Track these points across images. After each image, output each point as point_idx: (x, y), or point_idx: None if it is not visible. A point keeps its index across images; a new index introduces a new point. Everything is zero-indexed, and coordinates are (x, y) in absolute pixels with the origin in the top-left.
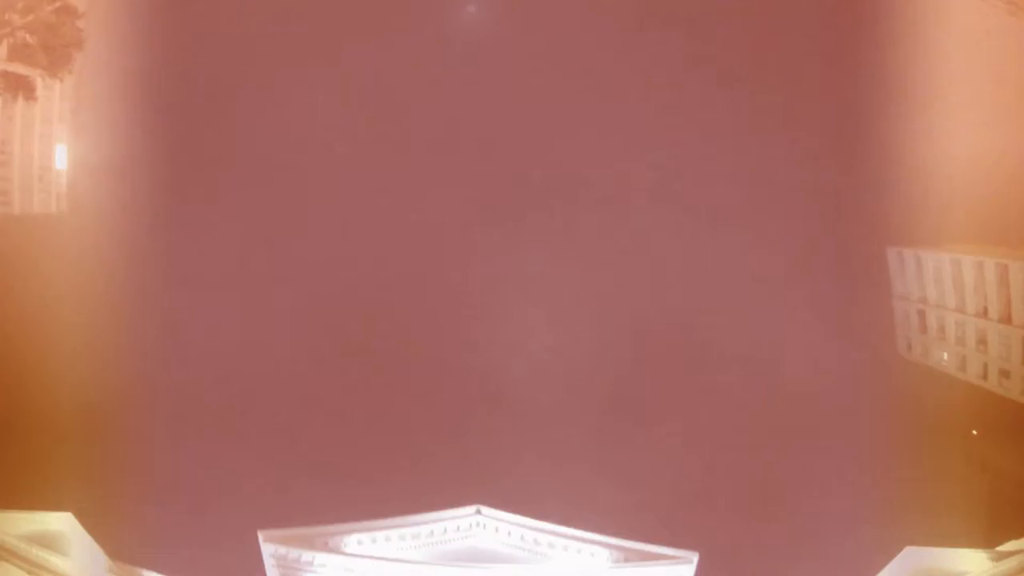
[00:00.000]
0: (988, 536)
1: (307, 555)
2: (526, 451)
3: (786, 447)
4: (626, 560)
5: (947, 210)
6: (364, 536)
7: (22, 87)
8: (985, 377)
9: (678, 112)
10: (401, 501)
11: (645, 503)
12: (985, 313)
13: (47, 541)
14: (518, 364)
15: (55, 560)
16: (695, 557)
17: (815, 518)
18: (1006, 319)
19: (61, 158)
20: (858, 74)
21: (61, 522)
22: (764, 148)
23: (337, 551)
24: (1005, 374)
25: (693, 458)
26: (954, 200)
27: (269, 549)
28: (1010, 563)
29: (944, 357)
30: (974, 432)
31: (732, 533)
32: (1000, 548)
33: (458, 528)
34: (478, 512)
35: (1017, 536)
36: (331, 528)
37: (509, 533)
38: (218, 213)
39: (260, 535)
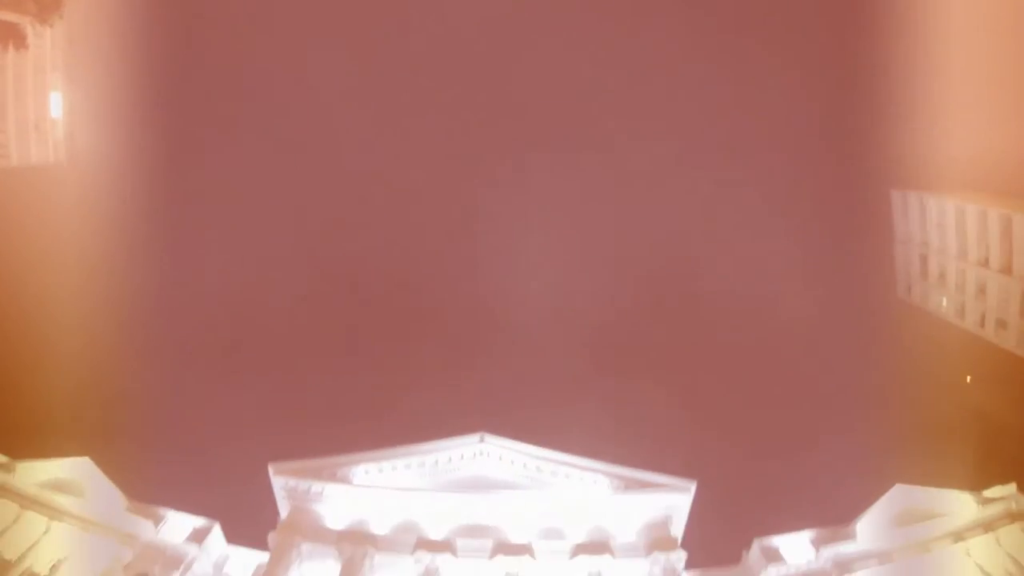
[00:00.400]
0: (975, 481)
1: (316, 486)
2: (529, 382)
3: (783, 384)
4: (626, 488)
5: (953, 155)
6: (371, 466)
7: (12, 36)
8: (982, 326)
9: (682, 47)
10: (407, 432)
11: (644, 434)
12: (986, 263)
13: (67, 487)
14: (521, 298)
15: (75, 504)
16: (693, 486)
17: (810, 453)
18: (1007, 270)
19: (56, 107)
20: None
21: (79, 467)
22: (769, 84)
23: (345, 481)
24: (1002, 324)
25: (692, 392)
26: (961, 147)
27: (279, 482)
28: (995, 508)
29: (943, 303)
30: (968, 379)
31: (729, 465)
32: (986, 493)
33: (462, 456)
34: (482, 440)
35: (1003, 483)
36: (339, 459)
37: (512, 461)
38: (217, 152)
39: (270, 468)
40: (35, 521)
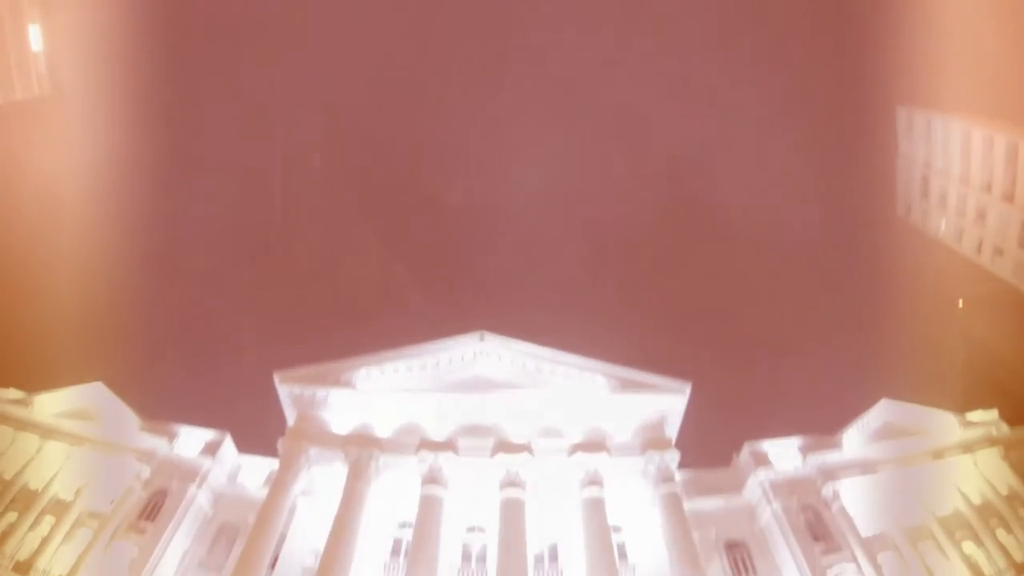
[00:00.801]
0: (959, 403)
1: (321, 392)
2: (529, 282)
3: (780, 294)
4: (623, 388)
5: (964, 76)
6: (373, 369)
7: None
8: (979, 252)
9: None
10: (409, 335)
11: (641, 335)
12: (988, 189)
13: (83, 414)
14: (522, 198)
15: (92, 429)
16: (688, 388)
17: (802, 363)
18: (1008, 198)
19: (36, 40)
20: None
21: (93, 393)
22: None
23: (349, 386)
24: (999, 252)
25: (689, 298)
26: (972, 69)
27: (285, 390)
28: (976, 431)
29: (942, 226)
30: (960, 303)
31: (723, 371)
32: (969, 416)
33: (463, 357)
34: (482, 339)
35: (986, 407)
36: (342, 364)
37: (512, 360)
38: (207, 67)
39: (276, 377)
40: (56, 450)
